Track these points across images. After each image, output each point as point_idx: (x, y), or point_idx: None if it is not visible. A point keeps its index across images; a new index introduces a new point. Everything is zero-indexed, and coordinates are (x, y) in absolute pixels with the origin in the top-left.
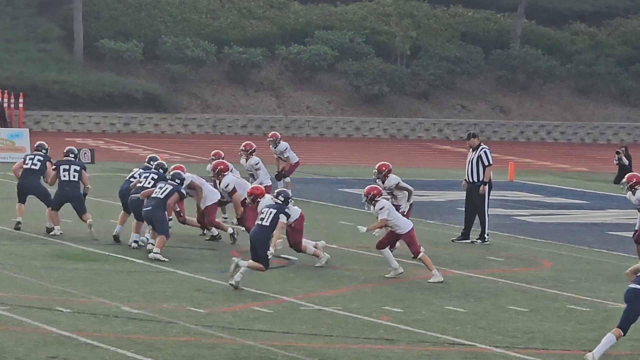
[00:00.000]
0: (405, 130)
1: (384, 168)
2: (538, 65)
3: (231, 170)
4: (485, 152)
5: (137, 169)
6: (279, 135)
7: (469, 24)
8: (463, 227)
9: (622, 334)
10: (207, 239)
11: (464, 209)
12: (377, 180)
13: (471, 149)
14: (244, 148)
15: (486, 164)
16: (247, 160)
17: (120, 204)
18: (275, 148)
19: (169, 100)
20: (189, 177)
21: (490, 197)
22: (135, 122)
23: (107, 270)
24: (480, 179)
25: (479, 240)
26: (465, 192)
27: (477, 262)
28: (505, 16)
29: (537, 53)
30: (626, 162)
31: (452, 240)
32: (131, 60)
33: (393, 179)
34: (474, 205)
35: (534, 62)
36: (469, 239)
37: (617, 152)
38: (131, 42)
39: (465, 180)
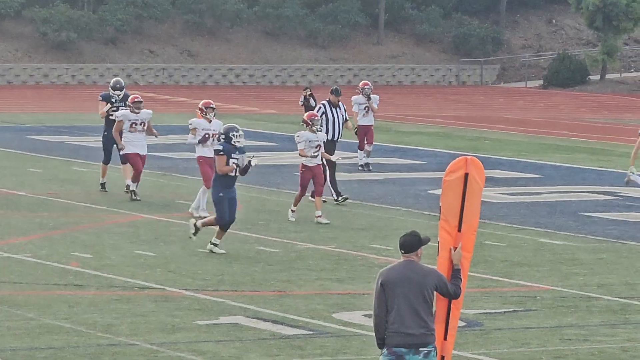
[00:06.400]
0: (94, 76)
1: None
2: (225, 8)
3: None
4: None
5: None
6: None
7: None
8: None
9: None
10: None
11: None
12: None
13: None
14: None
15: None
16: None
17: None
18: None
19: None
20: None
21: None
22: None
23: None
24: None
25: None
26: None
27: (167, 206)
28: None
29: None
30: (313, 103)
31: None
32: None
33: None
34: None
35: (221, 6)
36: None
37: (311, 95)
38: None
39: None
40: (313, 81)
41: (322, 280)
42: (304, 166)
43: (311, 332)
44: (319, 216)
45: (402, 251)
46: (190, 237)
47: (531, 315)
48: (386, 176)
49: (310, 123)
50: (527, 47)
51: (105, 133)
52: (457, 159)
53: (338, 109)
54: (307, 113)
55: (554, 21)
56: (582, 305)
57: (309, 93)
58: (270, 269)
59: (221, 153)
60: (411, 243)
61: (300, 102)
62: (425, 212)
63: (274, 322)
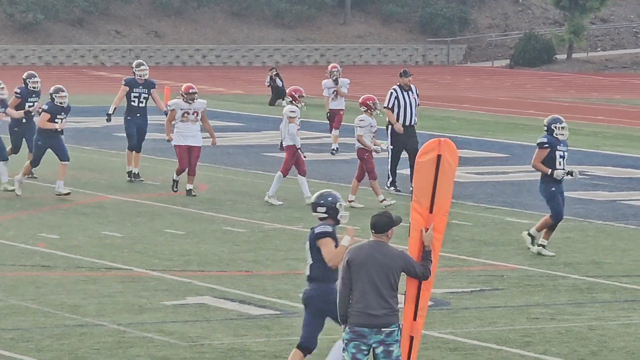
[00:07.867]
0: (61, 57)
1: None
2: None
3: None
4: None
5: None
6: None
7: None
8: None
9: None
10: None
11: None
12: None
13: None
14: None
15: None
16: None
17: None
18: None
19: None
20: None
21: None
22: None
23: None
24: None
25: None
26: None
27: (134, 187)
28: None
29: None
30: (280, 83)
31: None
32: None
33: None
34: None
35: None
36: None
37: (277, 75)
38: None
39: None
40: (280, 61)
41: (289, 260)
42: (365, 150)
43: (278, 312)
44: (383, 200)
45: (373, 231)
46: (530, 248)
47: (498, 294)
48: (352, 156)
49: (373, 107)
50: (494, 26)
51: (129, 118)
52: (430, 140)
53: (410, 92)
54: (365, 96)
55: (520, 0)
56: (549, 284)
57: (275, 73)
58: (237, 249)
59: (545, 146)
60: (383, 223)
61: (266, 83)
62: (391, 192)
63: (241, 302)
